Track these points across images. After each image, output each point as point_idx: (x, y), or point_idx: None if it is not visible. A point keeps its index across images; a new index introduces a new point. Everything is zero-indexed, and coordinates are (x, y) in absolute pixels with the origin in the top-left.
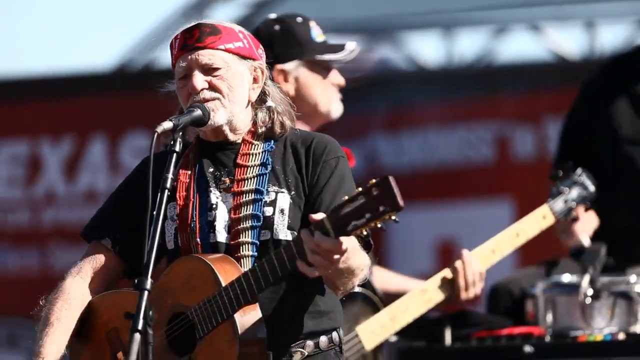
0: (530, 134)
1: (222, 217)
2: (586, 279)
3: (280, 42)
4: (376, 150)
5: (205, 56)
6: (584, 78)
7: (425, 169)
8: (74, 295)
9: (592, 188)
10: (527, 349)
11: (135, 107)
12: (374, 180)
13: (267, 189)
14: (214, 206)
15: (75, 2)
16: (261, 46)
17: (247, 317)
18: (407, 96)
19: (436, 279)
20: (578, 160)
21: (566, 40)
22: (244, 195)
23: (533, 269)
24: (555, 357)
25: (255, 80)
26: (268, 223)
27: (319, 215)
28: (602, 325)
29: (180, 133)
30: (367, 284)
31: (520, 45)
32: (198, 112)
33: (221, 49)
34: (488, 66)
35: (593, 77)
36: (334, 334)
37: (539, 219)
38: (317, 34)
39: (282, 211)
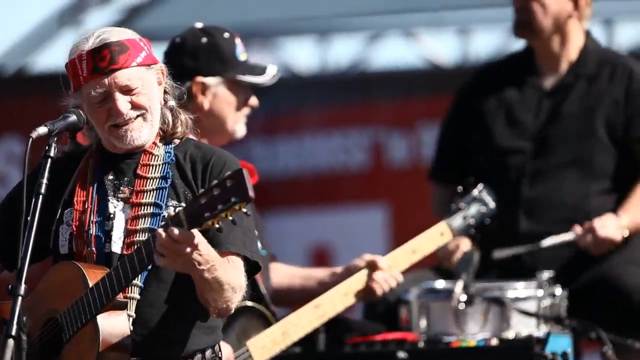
0: (404, 140)
1: (119, 228)
2: (459, 284)
3: (205, 55)
4: (252, 155)
5: (123, 77)
6: (458, 85)
7: (300, 175)
8: None
9: (492, 204)
10: (401, 354)
11: (8, 112)
12: (228, 173)
13: (166, 204)
14: (112, 215)
15: None
16: (149, 44)
17: (113, 321)
18: (282, 102)
19: (330, 294)
20: (454, 167)
21: (440, 47)
22: (143, 208)
23: (408, 276)
24: None
25: (159, 82)
26: None
27: (173, 212)
28: (475, 331)
29: (55, 138)
30: (260, 299)
31: (394, 52)
32: (73, 118)
33: (134, 66)
34: (363, 72)
35: (466, 84)
36: (216, 347)
37: (437, 236)
38: (241, 52)
39: None
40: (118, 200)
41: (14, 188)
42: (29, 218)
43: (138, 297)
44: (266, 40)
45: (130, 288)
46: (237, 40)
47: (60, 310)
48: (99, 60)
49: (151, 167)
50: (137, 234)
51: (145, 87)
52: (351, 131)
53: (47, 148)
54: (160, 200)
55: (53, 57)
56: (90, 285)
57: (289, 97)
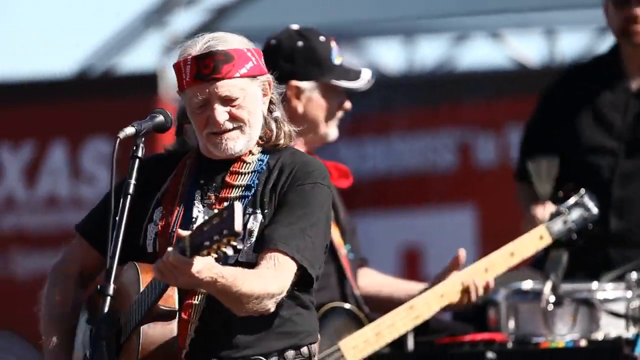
0: (492, 141)
1: None
2: (548, 285)
3: (302, 58)
4: (339, 157)
5: (224, 88)
6: (544, 85)
7: (389, 176)
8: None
9: (594, 210)
10: (490, 355)
11: (96, 112)
12: (225, 204)
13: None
14: (194, 220)
15: (35, 7)
16: (260, 53)
17: (159, 329)
18: (369, 104)
19: (426, 295)
20: None
21: (526, 48)
22: None
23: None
24: None
25: (264, 93)
26: None
27: (185, 232)
28: (564, 332)
29: (142, 139)
30: (352, 299)
31: (481, 53)
32: (160, 118)
33: (237, 77)
34: (449, 73)
35: (552, 86)
36: (304, 349)
37: (536, 239)
38: (337, 56)
39: (250, 233)
40: (203, 206)
41: (117, 185)
42: (117, 218)
43: (203, 304)
44: (353, 41)
45: (196, 295)
46: (333, 44)
47: (124, 311)
48: (203, 68)
49: (239, 176)
50: None
51: (246, 99)
52: (438, 132)
53: (134, 148)
54: None
55: (139, 58)
56: (141, 290)
57: (376, 98)
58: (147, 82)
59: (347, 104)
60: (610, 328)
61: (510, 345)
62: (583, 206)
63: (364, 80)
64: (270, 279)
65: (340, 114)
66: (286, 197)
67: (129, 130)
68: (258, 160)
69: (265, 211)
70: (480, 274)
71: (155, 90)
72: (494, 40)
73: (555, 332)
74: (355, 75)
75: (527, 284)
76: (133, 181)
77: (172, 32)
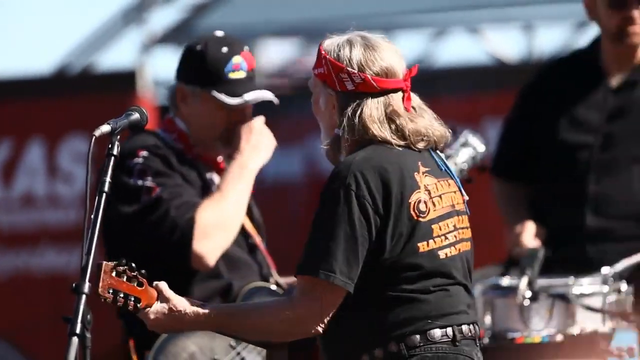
0: None
1: None
2: (524, 280)
3: (192, 62)
4: (315, 154)
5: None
6: (523, 81)
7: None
8: None
9: (480, 147)
10: None
11: (73, 110)
12: None
13: None
14: None
15: (13, 5)
16: (344, 70)
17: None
18: None
19: None
20: (518, 164)
21: (505, 43)
22: None
23: (474, 273)
24: (493, 358)
25: (333, 107)
26: None
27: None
28: (540, 327)
29: (118, 137)
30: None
31: (459, 48)
32: (135, 116)
33: (313, 73)
34: (427, 69)
35: (530, 81)
36: (391, 345)
37: None
38: (233, 70)
39: None
40: None
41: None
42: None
43: None
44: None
45: None
46: (237, 58)
47: None
48: None
49: None
50: None
51: (316, 98)
52: None
53: (109, 146)
54: None
55: (118, 56)
56: None
57: None
58: (125, 79)
59: (236, 118)
60: (587, 323)
61: (486, 340)
62: (470, 146)
63: (243, 99)
64: (278, 308)
65: (226, 127)
66: None
67: (105, 128)
68: None
69: None
70: None
71: (134, 88)
72: (472, 36)
73: (531, 327)
74: (240, 92)
75: (504, 280)
76: (108, 179)
77: (150, 29)
